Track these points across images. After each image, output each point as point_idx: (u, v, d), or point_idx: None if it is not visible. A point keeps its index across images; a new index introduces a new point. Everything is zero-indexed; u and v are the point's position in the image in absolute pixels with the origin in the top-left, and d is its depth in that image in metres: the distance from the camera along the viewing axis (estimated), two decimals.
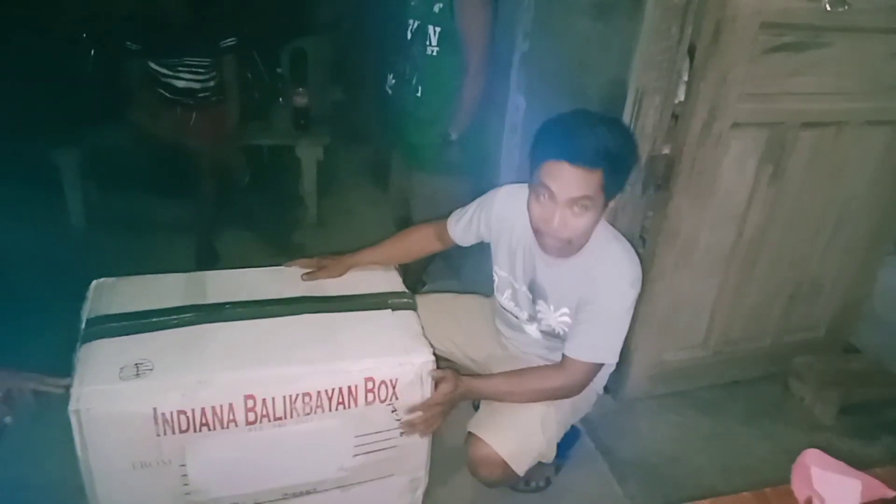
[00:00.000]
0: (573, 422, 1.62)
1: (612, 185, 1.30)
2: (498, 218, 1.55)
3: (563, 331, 1.50)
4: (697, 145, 1.84)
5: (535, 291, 1.52)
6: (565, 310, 1.48)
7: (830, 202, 2.15)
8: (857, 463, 1.05)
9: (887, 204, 2.23)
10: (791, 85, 1.87)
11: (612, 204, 1.35)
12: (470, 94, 2.21)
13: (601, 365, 1.45)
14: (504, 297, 1.62)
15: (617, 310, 1.41)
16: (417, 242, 1.74)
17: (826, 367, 2.34)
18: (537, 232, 1.38)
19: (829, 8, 1.75)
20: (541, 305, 1.52)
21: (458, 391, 1.41)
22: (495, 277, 1.62)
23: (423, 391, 1.40)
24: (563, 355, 1.44)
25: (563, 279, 1.45)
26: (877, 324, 2.44)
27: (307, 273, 1.61)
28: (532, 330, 1.59)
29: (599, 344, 1.42)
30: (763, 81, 1.83)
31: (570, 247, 1.37)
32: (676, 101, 1.84)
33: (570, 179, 1.26)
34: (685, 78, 1.81)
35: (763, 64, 1.80)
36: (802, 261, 2.23)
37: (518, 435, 1.45)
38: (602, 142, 1.26)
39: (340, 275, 1.62)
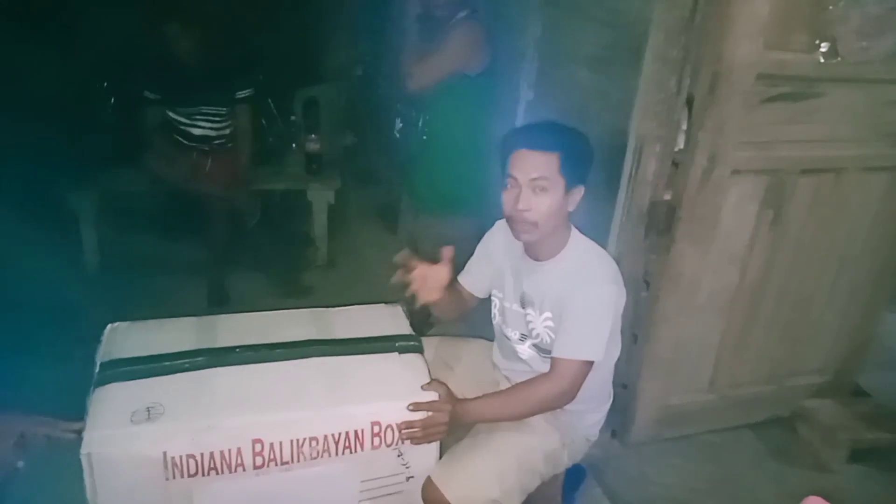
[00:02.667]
0: (548, 474, 1.58)
1: (570, 170, 1.42)
2: (491, 247, 1.66)
3: (550, 338, 1.52)
4: (698, 191, 1.88)
5: (524, 302, 1.56)
6: (548, 314, 1.51)
7: (832, 245, 2.17)
8: None
9: (890, 246, 2.24)
10: (788, 133, 1.92)
11: (575, 196, 1.45)
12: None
13: (589, 365, 1.43)
14: (498, 320, 1.67)
15: (596, 306, 1.44)
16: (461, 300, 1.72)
17: (834, 411, 2.33)
18: (509, 220, 1.48)
19: (822, 60, 1.81)
20: (530, 315, 1.55)
21: (456, 408, 1.41)
22: (494, 300, 1.67)
23: None
24: (552, 360, 1.46)
25: (544, 282, 1.51)
26: (885, 366, 2.42)
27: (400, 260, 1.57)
28: (524, 350, 1.61)
29: (582, 340, 1.43)
30: (760, 130, 1.88)
31: (538, 230, 1.44)
32: (676, 149, 1.88)
33: (529, 162, 1.41)
34: (684, 127, 1.86)
35: (760, 113, 1.85)
36: (806, 303, 2.24)
37: (469, 482, 1.42)
38: (555, 129, 1.47)
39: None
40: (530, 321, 1.56)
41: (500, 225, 1.64)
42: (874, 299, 2.34)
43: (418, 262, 1.52)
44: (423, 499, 1.44)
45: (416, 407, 1.39)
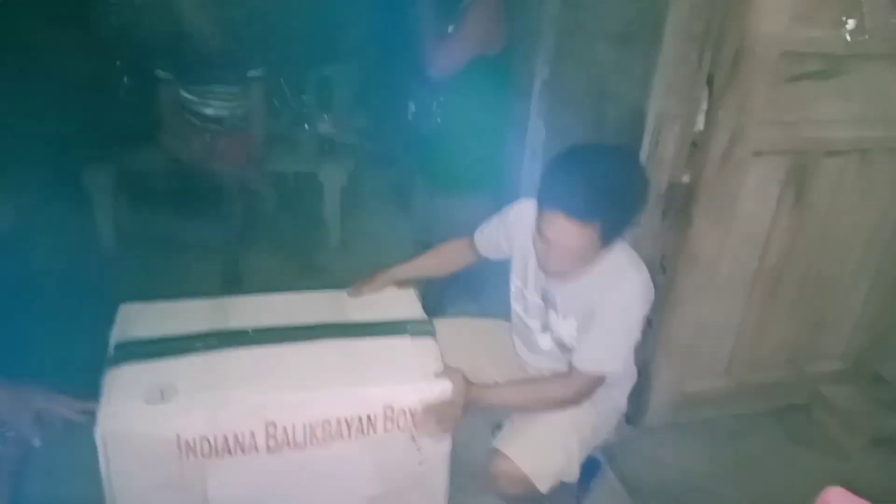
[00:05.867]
0: (595, 443, 1.62)
1: (610, 235, 1.33)
2: (514, 229, 1.60)
3: (572, 343, 1.51)
4: (717, 173, 1.84)
5: (547, 301, 1.55)
6: (573, 321, 1.49)
7: (857, 229, 2.12)
8: (887, 499, 1.02)
9: None
10: (813, 113, 1.87)
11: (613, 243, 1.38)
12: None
13: (604, 376, 1.45)
14: (518, 307, 1.65)
15: (622, 323, 1.42)
16: (450, 255, 1.81)
17: (854, 398, 2.29)
18: (539, 261, 1.44)
19: (849, 38, 1.75)
20: (552, 315, 1.54)
21: (471, 394, 1.41)
22: (511, 287, 1.65)
23: None
24: (570, 364, 1.46)
25: (572, 292, 1.48)
26: None
27: (352, 289, 1.69)
28: (545, 341, 1.60)
29: (602, 356, 1.43)
30: (784, 109, 1.83)
31: (569, 275, 1.42)
32: (696, 129, 1.84)
33: (564, 231, 1.29)
34: (704, 106, 1.81)
35: (784, 92, 1.80)
36: (829, 288, 2.20)
37: (539, 451, 1.46)
38: (599, 195, 1.27)
39: (381, 289, 1.71)
40: (552, 321, 1.55)
41: (524, 208, 1.55)
42: None
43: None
44: (493, 470, 1.46)
45: (427, 406, 1.39)
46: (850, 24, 1.75)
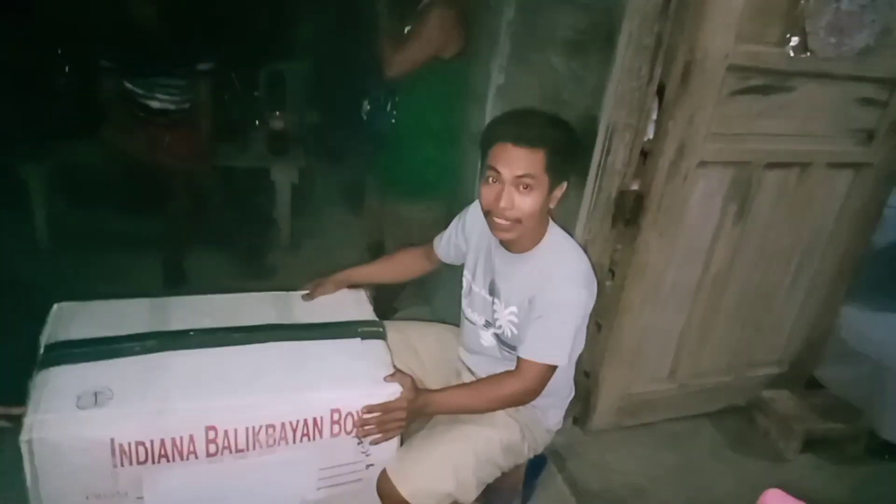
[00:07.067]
0: (508, 466, 1.57)
1: (556, 167, 1.37)
2: (472, 226, 1.62)
3: (512, 332, 1.51)
4: (665, 182, 1.88)
5: (493, 292, 1.54)
6: (514, 308, 1.49)
7: (795, 240, 2.20)
8: (821, 499, 1.05)
9: (849, 243, 2.29)
10: (757, 126, 1.93)
11: (557, 193, 1.41)
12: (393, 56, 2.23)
13: (554, 368, 1.43)
14: (465, 303, 1.65)
15: (568, 311, 1.41)
16: (407, 262, 1.82)
17: (790, 402, 2.38)
18: (487, 214, 1.42)
19: (792, 54, 1.81)
20: (496, 305, 1.54)
21: (419, 400, 1.39)
22: (463, 282, 1.65)
23: None
24: (518, 358, 1.45)
25: (516, 276, 1.48)
26: (839, 359, 2.48)
27: (305, 294, 1.67)
28: (487, 337, 1.59)
29: (551, 345, 1.42)
30: (730, 122, 1.88)
31: (519, 228, 1.40)
32: (646, 139, 1.88)
33: (514, 158, 1.35)
34: (654, 116, 1.85)
35: (730, 105, 1.85)
36: (768, 296, 2.27)
37: (424, 475, 1.40)
38: (543, 125, 1.40)
39: (335, 290, 1.70)
40: (496, 311, 1.54)
41: (478, 205, 1.57)
42: (833, 294, 2.38)
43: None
44: (378, 491, 1.42)
45: (369, 409, 1.36)
46: (794, 41, 1.82)
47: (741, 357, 2.36)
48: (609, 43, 1.79)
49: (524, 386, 1.43)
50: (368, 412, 1.36)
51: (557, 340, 1.42)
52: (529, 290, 1.43)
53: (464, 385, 1.56)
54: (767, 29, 1.79)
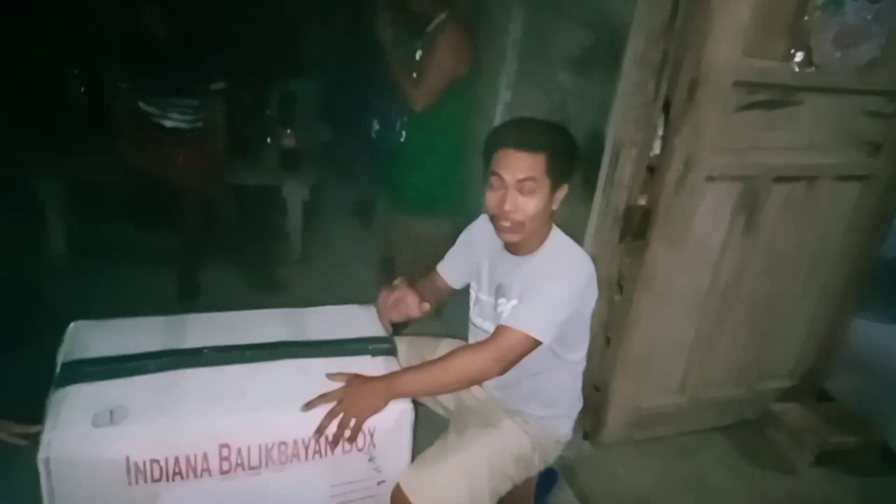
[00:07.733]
0: (519, 477, 1.56)
1: (556, 170, 1.42)
2: (476, 236, 1.66)
3: None
4: (673, 196, 1.89)
5: (498, 295, 1.55)
6: (515, 301, 1.50)
7: (803, 252, 2.20)
8: None
9: (858, 254, 2.28)
10: (763, 140, 1.94)
11: (559, 195, 1.45)
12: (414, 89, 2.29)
13: (531, 343, 1.38)
14: (474, 312, 1.66)
15: (558, 292, 1.41)
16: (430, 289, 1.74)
17: (801, 414, 2.37)
18: (494, 219, 1.47)
19: (797, 69, 1.82)
20: (501, 304, 1.54)
21: (374, 383, 1.36)
22: (471, 293, 1.67)
23: (402, 439, 1.40)
24: (497, 327, 1.43)
25: (520, 275, 1.50)
26: (851, 371, 2.47)
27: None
28: None
29: (534, 316, 1.39)
30: (736, 137, 1.89)
31: (524, 229, 1.43)
32: (652, 154, 1.89)
33: (516, 163, 1.40)
34: (660, 132, 1.86)
35: (736, 120, 1.86)
36: (776, 309, 2.27)
37: (438, 488, 1.40)
38: (542, 130, 1.45)
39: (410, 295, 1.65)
40: (500, 310, 1.55)
41: (482, 218, 1.64)
42: (842, 306, 2.38)
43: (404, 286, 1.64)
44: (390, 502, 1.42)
45: (307, 406, 1.32)
46: (799, 56, 1.83)
47: (751, 370, 2.36)
48: (615, 60, 1.82)
49: (496, 353, 1.38)
50: (307, 409, 1.31)
51: (543, 315, 1.39)
52: (531, 283, 1.45)
53: (428, 361, 1.48)
54: (772, 44, 1.81)
